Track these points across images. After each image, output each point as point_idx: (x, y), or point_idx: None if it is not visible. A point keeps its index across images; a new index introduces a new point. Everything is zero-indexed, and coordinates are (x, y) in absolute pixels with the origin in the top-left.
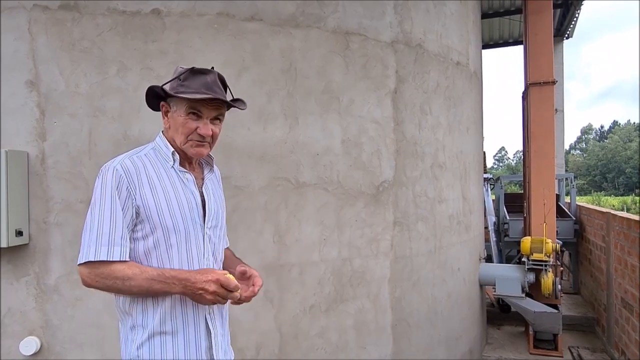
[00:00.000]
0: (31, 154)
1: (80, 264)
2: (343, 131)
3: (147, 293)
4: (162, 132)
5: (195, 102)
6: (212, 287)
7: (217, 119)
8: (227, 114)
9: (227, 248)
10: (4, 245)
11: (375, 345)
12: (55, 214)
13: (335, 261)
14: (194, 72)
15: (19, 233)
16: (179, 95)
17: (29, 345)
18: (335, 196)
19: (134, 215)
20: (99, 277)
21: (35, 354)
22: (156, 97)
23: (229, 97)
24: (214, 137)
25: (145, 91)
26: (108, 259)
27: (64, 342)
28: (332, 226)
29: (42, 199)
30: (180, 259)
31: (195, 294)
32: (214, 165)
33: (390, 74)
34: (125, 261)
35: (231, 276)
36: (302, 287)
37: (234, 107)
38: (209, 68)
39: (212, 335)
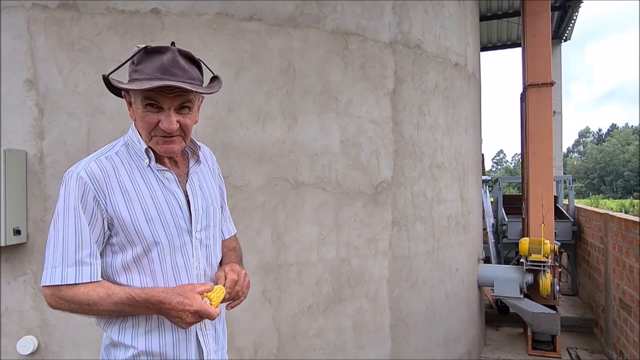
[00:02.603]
0: (29, 153)
1: (43, 285)
2: (341, 131)
3: (120, 316)
4: (134, 123)
5: (150, 91)
6: (189, 319)
7: (185, 107)
8: (224, 112)
9: (234, 236)
10: (2, 244)
11: (374, 346)
12: (52, 214)
13: (334, 261)
14: (148, 52)
15: (17, 232)
16: (127, 87)
17: (26, 344)
18: (333, 196)
19: (106, 228)
20: (62, 300)
21: (32, 353)
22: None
23: (206, 75)
24: (184, 128)
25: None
26: (77, 282)
27: (61, 341)
28: (330, 226)
29: (40, 197)
30: (165, 273)
31: (173, 320)
32: (202, 152)
33: (388, 75)
34: (94, 282)
35: (213, 295)
36: (301, 287)
37: (201, 93)
38: (169, 44)
39: (205, 353)
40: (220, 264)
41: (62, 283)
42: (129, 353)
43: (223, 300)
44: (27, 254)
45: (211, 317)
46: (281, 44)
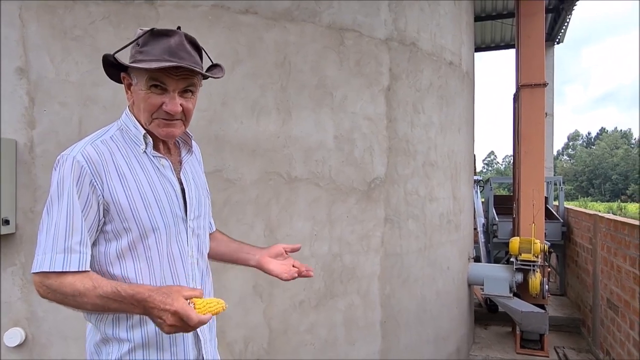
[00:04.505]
0: (19, 142)
1: (33, 272)
2: (336, 127)
3: (104, 311)
4: (129, 107)
5: (157, 72)
6: (169, 320)
7: (188, 90)
8: (219, 105)
9: (218, 231)
10: None
11: (364, 342)
12: (42, 204)
13: (326, 257)
14: (155, 34)
15: (6, 222)
16: (134, 65)
17: (14, 336)
18: (327, 191)
19: (101, 214)
20: (49, 289)
21: (19, 345)
22: (116, 67)
23: (205, 62)
24: (186, 113)
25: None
26: (64, 270)
27: (49, 334)
28: (323, 221)
29: (30, 187)
30: (161, 260)
31: (155, 321)
32: (193, 143)
33: (383, 71)
34: (81, 272)
35: (201, 301)
36: (292, 282)
37: (207, 76)
38: (175, 28)
39: (202, 342)
40: (221, 253)
41: (50, 270)
42: (124, 348)
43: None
44: (15, 244)
45: (191, 322)
46: (277, 37)
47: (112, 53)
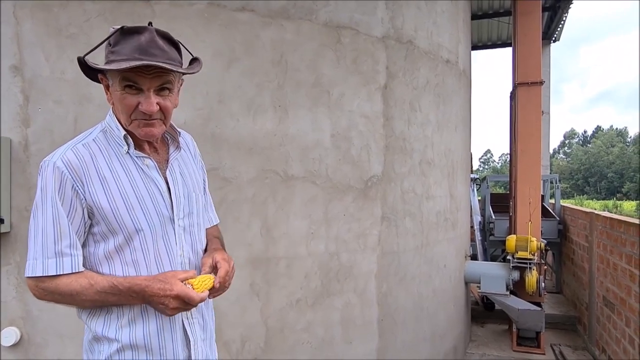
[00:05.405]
0: (14, 141)
1: (27, 277)
2: (333, 125)
3: (104, 305)
4: (112, 108)
5: (128, 72)
6: (172, 304)
7: (165, 88)
8: (215, 103)
9: (216, 226)
10: None
11: (361, 340)
12: None
13: (323, 255)
14: (125, 32)
15: (1, 221)
16: (103, 67)
17: (9, 335)
18: (323, 190)
19: (87, 217)
20: (46, 291)
21: (15, 344)
22: (92, 69)
23: (185, 58)
24: (164, 111)
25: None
26: (58, 273)
27: (44, 333)
28: (320, 220)
29: (25, 186)
30: (148, 262)
31: (157, 307)
32: (182, 137)
33: (380, 70)
34: (76, 272)
35: (196, 281)
36: (289, 281)
37: (180, 72)
38: (146, 24)
39: (192, 342)
40: (205, 249)
41: (44, 274)
42: (113, 347)
43: (212, 290)
44: (10, 243)
45: (193, 301)
46: (273, 35)
47: (82, 56)
